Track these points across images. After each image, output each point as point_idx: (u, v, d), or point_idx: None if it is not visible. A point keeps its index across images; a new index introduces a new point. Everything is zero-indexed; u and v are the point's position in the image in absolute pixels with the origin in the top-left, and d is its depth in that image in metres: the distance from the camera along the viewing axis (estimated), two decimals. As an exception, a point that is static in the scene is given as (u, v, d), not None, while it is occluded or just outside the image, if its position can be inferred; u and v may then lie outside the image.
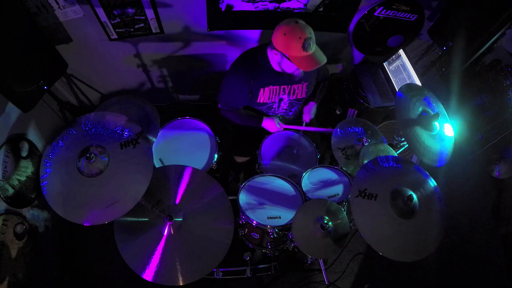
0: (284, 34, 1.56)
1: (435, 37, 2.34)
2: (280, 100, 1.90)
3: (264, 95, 1.84)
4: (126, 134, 1.43)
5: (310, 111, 2.01)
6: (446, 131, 1.73)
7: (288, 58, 1.59)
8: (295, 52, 1.56)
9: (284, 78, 1.80)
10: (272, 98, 1.87)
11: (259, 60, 1.75)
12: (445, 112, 1.79)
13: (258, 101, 1.86)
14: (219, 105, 1.95)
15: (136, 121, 1.51)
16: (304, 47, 1.54)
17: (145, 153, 1.42)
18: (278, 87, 1.83)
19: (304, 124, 2.04)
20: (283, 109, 1.97)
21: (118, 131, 1.44)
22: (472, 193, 2.53)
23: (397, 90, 2.45)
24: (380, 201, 1.47)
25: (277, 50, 1.61)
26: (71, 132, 1.44)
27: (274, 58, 1.70)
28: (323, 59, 1.61)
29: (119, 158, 1.39)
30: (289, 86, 1.85)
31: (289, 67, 1.67)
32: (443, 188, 1.64)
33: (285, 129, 2.03)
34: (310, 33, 1.56)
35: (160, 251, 1.41)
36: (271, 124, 1.96)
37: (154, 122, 2.01)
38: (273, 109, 1.96)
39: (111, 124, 1.46)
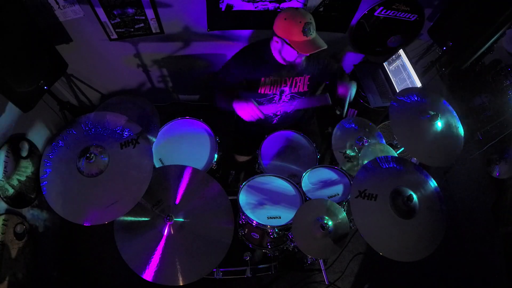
0: (285, 19, 1.58)
1: (435, 37, 2.34)
2: (282, 92, 1.90)
3: (265, 86, 1.84)
4: (126, 134, 1.43)
5: (348, 89, 1.86)
6: (450, 131, 1.73)
7: (288, 44, 1.61)
8: (295, 36, 1.58)
9: (286, 70, 1.80)
10: (273, 89, 1.87)
11: (262, 51, 1.78)
12: (452, 111, 1.79)
13: (259, 92, 1.86)
14: (215, 86, 1.91)
15: (136, 121, 1.51)
16: (304, 31, 1.56)
17: (145, 153, 1.42)
18: (279, 78, 1.83)
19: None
20: (284, 102, 1.97)
21: (118, 131, 1.44)
22: (472, 193, 2.52)
23: (397, 90, 2.46)
24: (380, 201, 1.47)
25: (278, 37, 1.63)
26: (71, 132, 1.44)
27: (275, 47, 1.71)
28: (323, 44, 1.62)
29: (119, 158, 1.39)
30: (291, 78, 1.85)
31: (289, 54, 1.68)
32: (443, 188, 1.64)
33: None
34: (310, 18, 1.58)
35: (160, 251, 1.41)
36: (243, 107, 1.73)
37: (154, 122, 2.01)
38: (274, 101, 1.96)
39: (111, 124, 1.46)
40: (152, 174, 1.37)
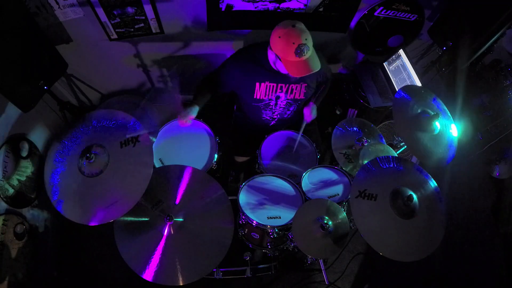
0: (279, 37, 1.56)
1: (435, 37, 2.34)
2: (277, 98, 1.90)
3: (260, 91, 1.84)
4: (127, 132, 1.43)
5: (310, 112, 2.00)
6: (448, 130, 1.73)
7: (280, 60, 1.60)
8: (287, 56, 1.56)
9: (282, 77, 1.80)
10: (268, 94, 1.87)
11: (259, 56, 1.77)
12: (448, 111, 1.79)
13: (255, 96, 1.87)
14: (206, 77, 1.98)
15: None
16: (297, 53, 1.53)
17: (146, 151, 1.42)
18: (275, 84, 1.83)
19: (303, 124, 2.02)
20: (280, 107, 1.97)
21: (119, 129, 1.44)
22: (472, 193, 2.52)
23: (397, 90, 2.46)
24: (380, 201, 1.47)
25: (272, 51, 1.63)
26: (77, 131, 1.44)
27: (270, 57, 1.71)
28: (317, 66, 1.59)
29: (119, 157, 1.39)
30: (287, 85, 1.85)
31: (283, 69, 1.68)
32: (443, 188, 1.64)
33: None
34: (305, 39, 1.54)
35: (160, 251, 1.41)
36: (184, 112, 1.84)
37: (154, 122, 2.01)
38: (270, 107, 1.96)
39: (111, 121, 1.47)
40: (152, 173, 1.37)
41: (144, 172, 1.37)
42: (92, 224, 1.30)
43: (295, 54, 1.53)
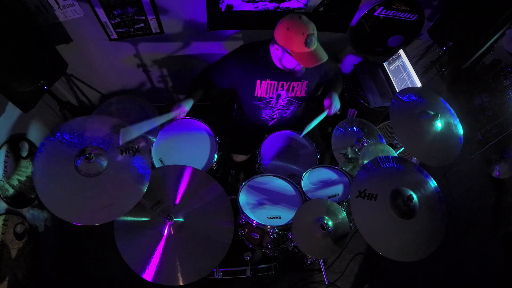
0: (287, 29, 1.56)
1: (435, 37, 2.34)
2: (278, 96, 1.89)
3: (261, 88, 1.84)
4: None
5: (332, 102, 1.90)
6: (449, 130, 1.73)
7: (289, 53, 1.60)
8: (297, 47, 1.56)
9: (283, 74, 1.80)
10: (269, 92, 1.86)
11: (260, 54, 1.76)
12: (451, 111, 1.79)
13: (255, 94, 1.86)
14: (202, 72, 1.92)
15: (136, 121, 1.52)
16: (307, 43, 1.54)
17: (143, 164, 1.42)
18: (276, 82, 1.82)
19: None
20: (281, 105, 1.97)
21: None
22: (472, 193, 2.53)
23: (397, 90, 2.46)
24: (380, 201, 1.47)
25: (279, 45, 1.62)
26: (72, 133, 1.44)
27: (275, 54, 1.70)
28: (324, 56, 1.61)
29: (117, 163, 1.39)
30: (288, 82, 1.84)
31: (290, 63, 1.67)
32: (443, 188, 1.64)
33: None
34: (313, 29, 1.56)
35: (160, 251, 1.41)
36: (179, 105, 1.83)
37: (154, 123, 2.01)
38: (271, 105, 1.96)
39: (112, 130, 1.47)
40: (147, 185, 1.37)
41: (139, 184, 1.37)
42: (79, 224, 1.30)
43: (305, 44, 1.54)
